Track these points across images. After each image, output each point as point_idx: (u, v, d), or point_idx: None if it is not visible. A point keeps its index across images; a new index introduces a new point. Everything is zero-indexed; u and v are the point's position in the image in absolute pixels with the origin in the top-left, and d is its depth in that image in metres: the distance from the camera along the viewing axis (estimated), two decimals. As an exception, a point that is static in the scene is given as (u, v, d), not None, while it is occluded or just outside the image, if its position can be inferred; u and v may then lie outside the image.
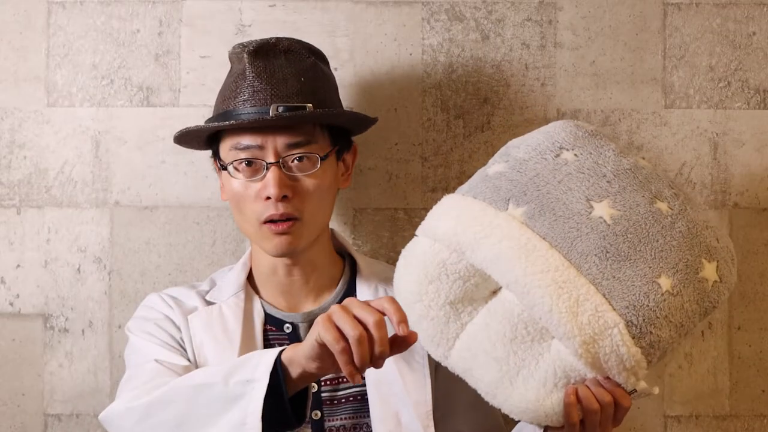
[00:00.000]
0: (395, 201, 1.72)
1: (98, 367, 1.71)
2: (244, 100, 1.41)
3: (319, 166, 1.42)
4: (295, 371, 1.22)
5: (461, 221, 1.30)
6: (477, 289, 1.32)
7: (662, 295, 1.24)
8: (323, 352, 1.18)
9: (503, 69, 1.72)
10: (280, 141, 1.40)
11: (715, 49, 1.73)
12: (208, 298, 1.49)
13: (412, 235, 1.71)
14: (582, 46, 1.73)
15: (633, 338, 1.22)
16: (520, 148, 1.38)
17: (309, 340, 1.20)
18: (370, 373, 1.43)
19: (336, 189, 1.49)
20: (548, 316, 1.23)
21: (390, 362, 1.43)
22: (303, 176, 1.42)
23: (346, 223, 1.72)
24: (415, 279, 1.34)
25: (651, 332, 1.23)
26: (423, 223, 1.36)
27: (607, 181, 1.31)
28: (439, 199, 1.70)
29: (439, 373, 1.46)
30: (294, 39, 1.49)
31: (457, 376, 1.37)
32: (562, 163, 1.34)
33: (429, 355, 1.45)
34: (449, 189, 1.71)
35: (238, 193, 1.42)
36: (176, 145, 1.54)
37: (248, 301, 1.48)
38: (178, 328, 1.46)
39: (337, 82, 1.70)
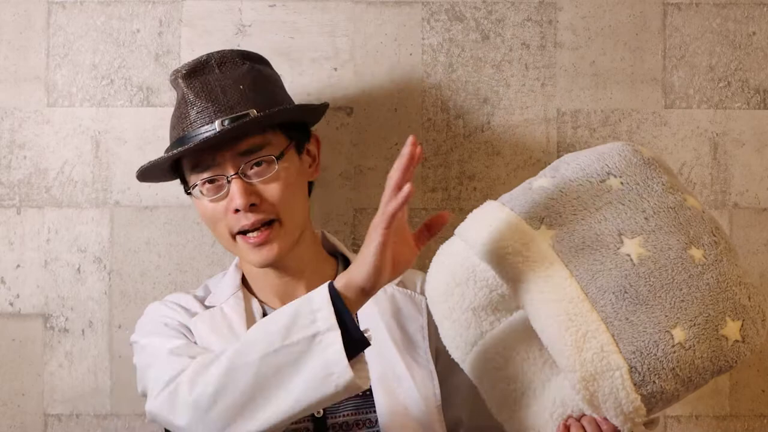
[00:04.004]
0: (395, 201, 1.72)
1: (98, 367, 1.70)
2: (191, 122, 1.42)
3: (277, 167, 1.42)
4: (353, 296, 1.23)
5: (493, 232, 1.29)
6: (503, 300, 1.32)
7: (673, 346, 1.19)
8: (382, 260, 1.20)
9: (503, 69, 1.72)
10: (234, 152, 1.41)
11: (715, 49, 1.73)
12: (206, 303, 1.50)
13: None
14: (582, 46, 1.73)
15: (634, 385, 1.19)
16: (570, 165, 1.34)
17: (367, 258, 1.21)
18: (375, 368, 1.43)
19: (305, 183, 1.48)
20: (553, 345, 1.22)
21: (396, 357, 1.43)
22: (264, 180, 1.41)
23: (346, 223, 1.72)
24: (444, 279, 1.35)
25: (654, 382, 1.19)
26: (462, 224, 1.36)
27: (645, 218, 1.27)
28: (439, 199, 1.71)
29: (438, 363, 1.47)
30: (225, 50, 1.49)
31: (455, 365, 1.38)
32: (606, 189, 1.29)
33: (431, 349, 1.45)
34: (449, 189, 1.71)
35: (207, 213, 1.44)
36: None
37: (247, 301, 1.49)
38: (188, 328, 1.45)
39: (337, 82, 1.70)
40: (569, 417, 1.27)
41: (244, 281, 1.53)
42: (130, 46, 1.72)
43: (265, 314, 1.48)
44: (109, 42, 1.72)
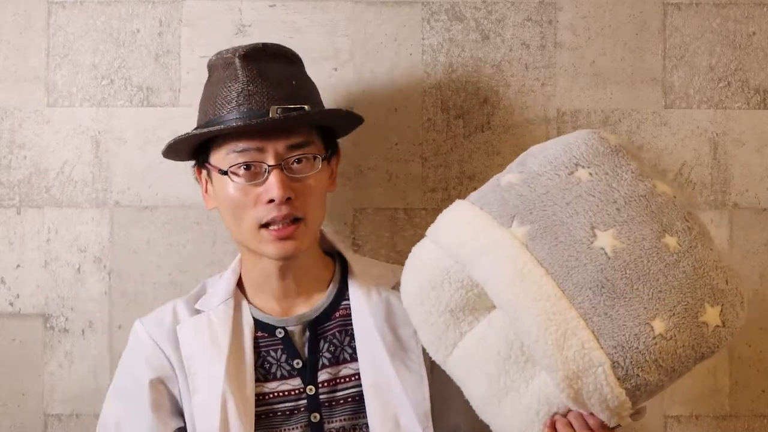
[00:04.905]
0: (395, 201, 1.72)
1: (98, 367, 1.70)
2: (239, 104, 1.40)
3: (319, 166, 1.42)
4: None
5: (465, 233, 1.29)
6: (479, 299, 1.30)
7: (654, 338, 1.19)
8: None
9: (503, 69, 1.72)
10: (281, 143, 1.40)
11: (715, 49, 1.73)
12: (197, 306, 1.49)
13: (412, 235, 1.71)
14: (582, 46, 1.73)
15: (618, 379, 1.18)
16: (537, 158, 1.33)
17: None
18: (367, 374, 1.43)
19: (326, 192, 1.49)
20: (534, 345, 1.21)
21: (387, 363, 1.43)
22: (304, 177, 1.41)
23: (346, 223, 1.72)
24: (418, 282, 1.34)
25: (638, 375, 1.19)
26: (432, 225, 1.35)
27: (617, 209, 1.25)
28: (440, 199, 1.71)
29: (435, 368, 1.46)
30: (278, 44, 1.48)
31: None
32: (575, 182, 1.28)
33: (425, 354, 1.45)
34: (449, 189, 1.71)
35: (235, 199, 1.41)
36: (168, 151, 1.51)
37: (237, 309, 1.47)
38: (164, 381, 1.44)
39: (337, 82, 1.70)
40: (555, 413, 1.26)
41: (240, 286, 1.51)
42: (130, 46, 1.72)
43: (257, 323, 1.47)
44: (109, 42, 1.72)
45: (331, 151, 1.48)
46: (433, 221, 1.71)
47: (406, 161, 1.72)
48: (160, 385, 1.44)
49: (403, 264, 1.66)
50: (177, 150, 1.49)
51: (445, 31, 1.72)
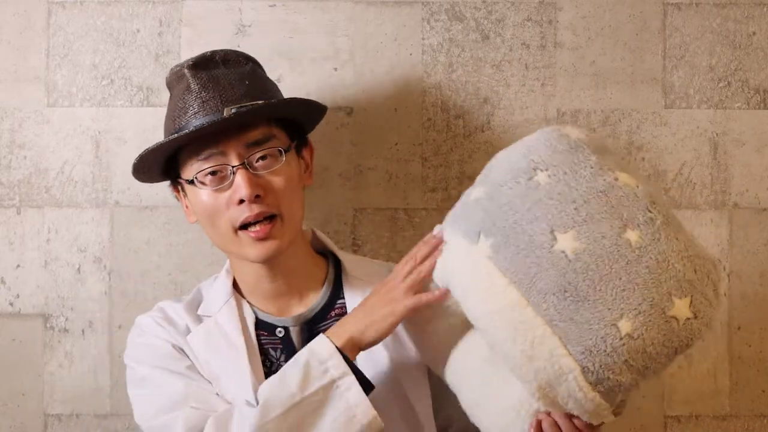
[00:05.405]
0: (395, 201, 1.72)
1: (98, 367, 1.70)
2: (195, 113, 1.39)
3: (284, 159, 1.41)
4: (351, 350, 1.34)
5: (440, 258, 1.30)
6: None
7: (621, 339, 1.16)
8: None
9: (503, 69, 1.72)
10: (241, 142, 1.39)
11: (715, 49, 1.73)
12: (199, 312, 1.48)
13: (412, 235, 1.71)
14: (582, 46, 1.73)
15: (590, 384, 1.17)
16: (499, 168, 1.31)
17: (379, 324, 1.34)
18: (367, 371, 1.42)
19: (302, 186, 1.47)
20: (505, 357, 1.21)
21: (387, 359, 1.43)
22: (270, 173, 1.40)
23: (346, 223, 1.72)
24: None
25: (609, 378, 1.17)
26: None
27: (575, 208, 1.21)
28: (440, 199, 1.71)
29: None
30: (229, 49, 1.48)
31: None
32: (534, 187, 1.25)
33: None
34: (449, 189, 1.71)
35: (208, 206, 1.40)
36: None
37: (239, 308, 1.47)
38: (180, 349, 1.44)
39: (337, 82, 1.70)
40: (540, 412, 1.26)
41: (236, 286, 1.50)
42: (130, 46, 1.72)
43: (257, 319, 1.46)
44: (109, 42, 1.72)
45: (297, 143, 1.47)
46: (433, 221, 1.72)
47: (406, 161, 1.72)
48: (181, 349, 1.44)
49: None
50: (145, 170, 1.47)
51: (445, 31, 1.72)
